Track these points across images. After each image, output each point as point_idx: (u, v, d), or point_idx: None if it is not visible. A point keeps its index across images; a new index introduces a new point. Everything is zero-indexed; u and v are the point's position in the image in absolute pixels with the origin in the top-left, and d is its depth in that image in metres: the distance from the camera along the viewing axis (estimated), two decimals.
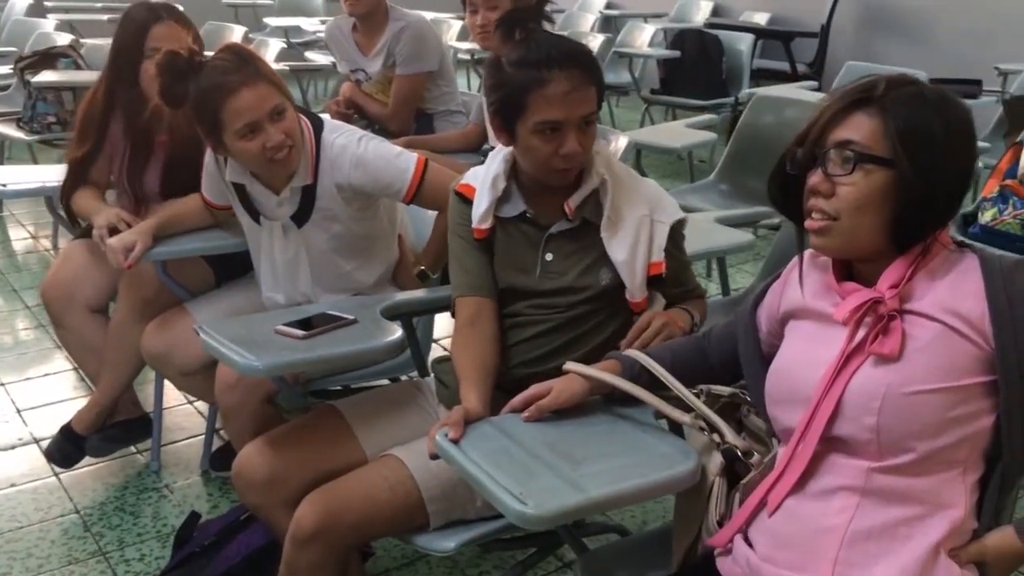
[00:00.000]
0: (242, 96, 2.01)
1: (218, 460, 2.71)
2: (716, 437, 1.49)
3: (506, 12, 1.83)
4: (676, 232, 1.83)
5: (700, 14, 7.75)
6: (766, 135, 3.78)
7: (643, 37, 6.55)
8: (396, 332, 1.85)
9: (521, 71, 1.69)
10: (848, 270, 1.39)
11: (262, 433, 2.15)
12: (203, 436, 2.81)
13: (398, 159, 2.18)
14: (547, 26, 1.92)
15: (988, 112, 4.75)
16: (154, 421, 2.73)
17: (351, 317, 1.89)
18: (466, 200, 1.89)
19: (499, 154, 1.88)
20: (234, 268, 2.58)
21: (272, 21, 7.17)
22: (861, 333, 1.31)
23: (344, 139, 2.18)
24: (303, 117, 2.18)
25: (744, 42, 5.94)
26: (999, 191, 3.34)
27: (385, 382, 2.38)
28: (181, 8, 2.60)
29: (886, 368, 1.28)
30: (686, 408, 1.55)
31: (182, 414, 3.04)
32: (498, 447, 1.46)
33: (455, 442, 1.49)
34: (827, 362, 1.33)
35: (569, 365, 1.62)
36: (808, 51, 6.76)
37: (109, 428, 2.68)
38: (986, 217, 3.10)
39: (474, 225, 1.85)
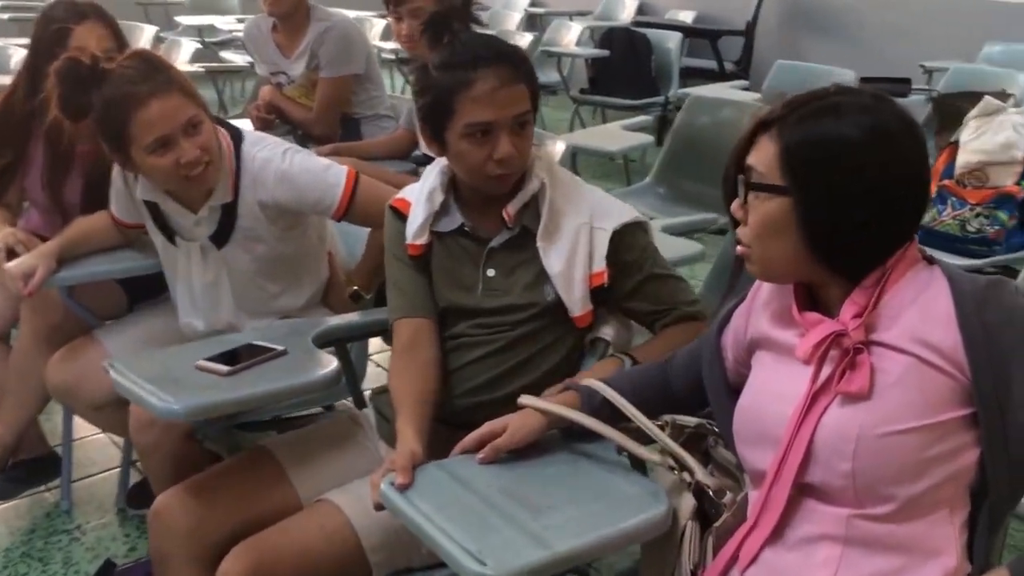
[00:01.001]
0: (152, 108, 1.83)
1: (135, 496, 2.50)
2: (686, 475, 1.38)
3: (431, 16, 1.69)
4: (628, 238, 1.69)
5: (626, 12, 7.70)
6: (703, 137, 3.71)
7: (570, 36, 6.46)
8: (331, 364, 1.69)
9: (446, 73, 1.58)
10: (810, 295, 1.29)
11: (183, 471, 1.98)
12: (118, 470, 2.60)
13: (327, 173, 2.01)
14: (476, 28, 1.79)
15: (917, 111, 4.76)
16: (63, 457, 2.51)
17: (280, 348, 1.72)
18: (402, 216, 1.76)
19: (436, 166, 1.75)
20: (149, 289, 2.38)
21: (184, 20, 6.88)
22: (827, 369, 1.22)
23: (267, 152, 2.01)
24: (220, 129, 2.00)
25: (672, 40, 5.89)
26: (937, 192, 3.33)
27: (318, 410, 2.22)
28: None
29: (856, 407, 1.18)
30: (648, 440, 1.44)
31: (94, 446, 2.81)
32: (450, 496, 1.32)
33: (403, 490, 1.34)
34: (794, 400, 1.23)
35: (524, 399, 1.49)
36: (734, 49, 6.75)
37: (12, 468, 2.47)
38: (924, 219, 3.04)
39: (408, 241, 1.71)
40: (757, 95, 4.50)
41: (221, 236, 2.03)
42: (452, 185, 1.72)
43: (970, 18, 5.78)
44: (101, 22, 2.30)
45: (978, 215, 3.13)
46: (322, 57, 3.32)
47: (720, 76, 6.35)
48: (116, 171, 2.12)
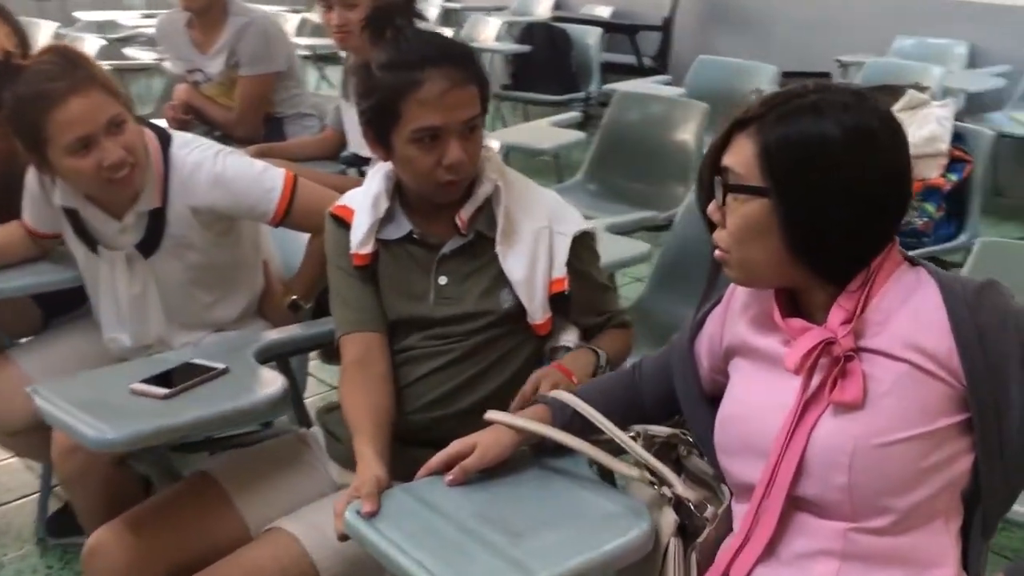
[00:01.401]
0: (71, 106, 1.70)
1: (56, 525, 2.34)
2: (665, 489, 1.32)
3: (372, 10, 1.60)
4: (582, 245, 1.65)
5: (542, 7, 7.63)
6: (633, 133, 3.68)
7: (488, 31, 6.38)
8: (277, 381, 1.58)
9: (392, 74, 1.49)
10: (792, 300, 1.24)
11: (113, 500, 1.85)
12: (35, 497, 2.44)
13: (263, 177, 1.90)
14: (420, 24, 1.71)
15: None
16: None
17: (221, 366, 1.61)
18: (344, 224, 1.66)
19: (379, 171, 1.66)
20: (65, 304, 2.23)
21: (83, 15, 6.57)
22: (816, 378, 1.17)
23: (198, 155, 1.88)
24: (146, 130, 1.87)
25: (592, 36, 5.87)
26: None
27: (255, 427, 2.10)
28: None
29: (850, 418, 1.14)
30: (619, 452, 1.38)
31: (7, 472, 2.63)
32: (422, 523, 1.24)
33: (370, 517, 1.25)
34: (782, 410, 1.18)
35: (492, 415, 1.41)
36: (651, 44, 6.77)
37: None
38: None
39: (353, 250, 1.62)
40: (681, 90, 4.50)
41: (149, 244, 1.90)
42: (397, 190, 1.64)
43: (882, 12, 5.90)
44: (1, 20, 2.14)
45: None
46: (242, 54, 3.18)
47: (639, 71, 6.35)
48: (31, 175, 1.97)
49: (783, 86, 3.91)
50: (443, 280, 1.61)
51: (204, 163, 1.87)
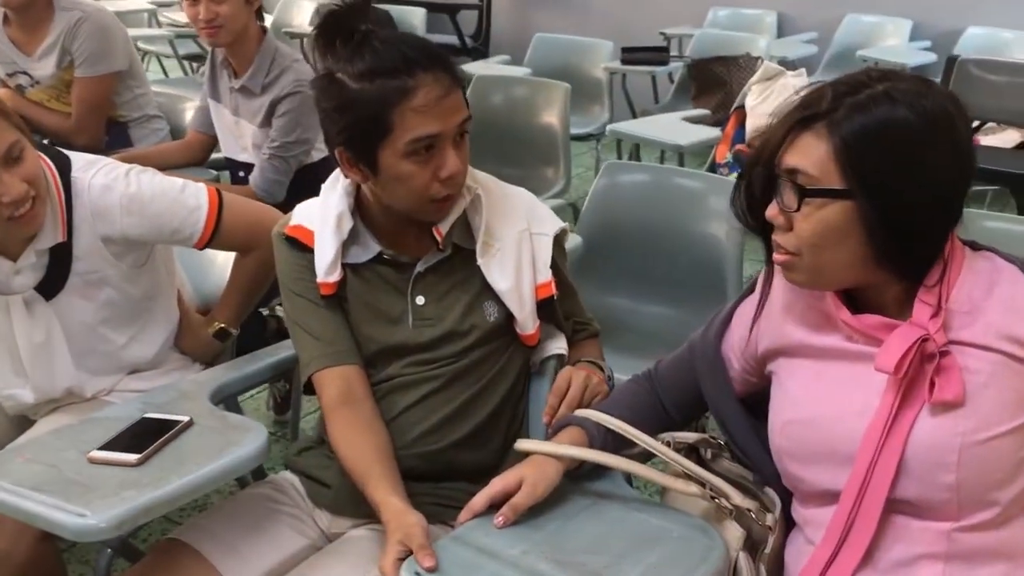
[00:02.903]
0: None
1: None
2: (723, 501, 1.26)
3: (327, 15, 1.41)
4: (557, 245, 1.57)
5: None
6: (498, 117, 3.60)
7: (302, 16, 6.08)
8: (254, 428, 1.40)
9: (375, 83, 1.33)
10: (848, 295, 1.20)
11: None
12: None
13: (183, 195, 1.68)
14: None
15: (672, 77, 4.94)
16: None
17: (184, 418, 1.41)
18: (300, 247, 1.49)
19: (336, 186, 1.50)
20: None
21: None
22: (911, 372, 1.12)
23: (105, 177, 1.64)
24: (42, 157, 1.61)
25: (417, 17, 5.73)
26: (734, 157, 3.46)
27: None
28: None
29: (952, 416, 1.10)
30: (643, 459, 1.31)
31: None
32: (492, 574, 1.12)
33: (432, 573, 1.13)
34: (863, 412, 1.13)
35: (527, 444, 1.31)
36: (469, 24, 6.69)
37: None
38: None
39: (320, 279, 1.46)
40: (527, 70, 4.46)
41: (51, 285, 1.64)
42: (358, 207, 1.48)
43: None
44: None
45: None
46: (77, 53, 2.83)
47: (463, 51, 6.27)
48: None
49: (626, 62, 3.98)
50: (420, 300, 1.48)
51: (114, 185, 1.63)
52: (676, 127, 3.44)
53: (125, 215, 1.63)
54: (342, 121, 1.36)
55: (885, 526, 1.13)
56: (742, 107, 3.51)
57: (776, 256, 1.17)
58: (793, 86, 3.42)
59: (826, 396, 1.19)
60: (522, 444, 1.31)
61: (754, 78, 3.51)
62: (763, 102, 3.42)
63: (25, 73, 2.91)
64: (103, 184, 1.63)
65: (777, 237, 1.16)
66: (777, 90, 3.39)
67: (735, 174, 3.36)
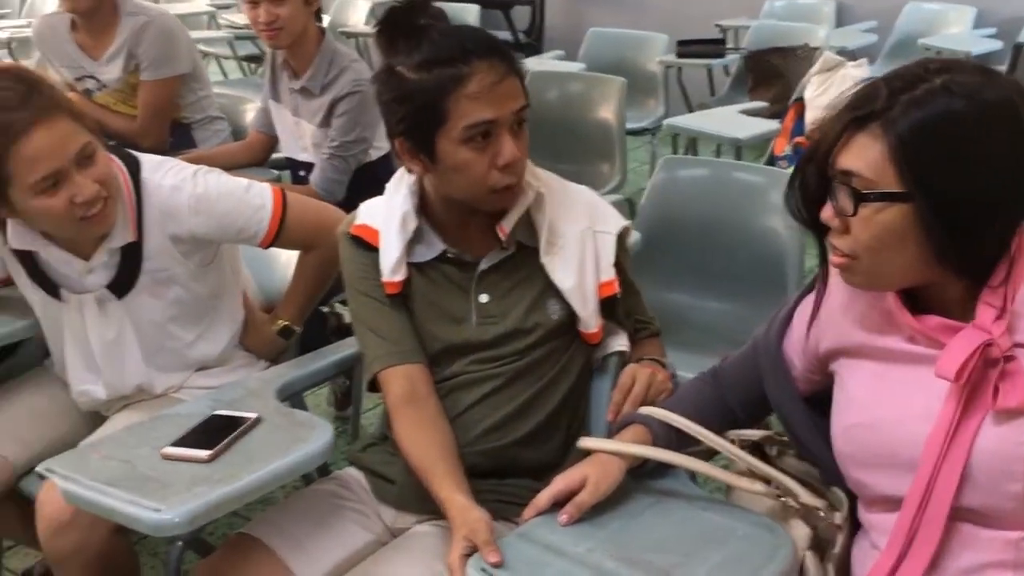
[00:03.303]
0: (36, 138, 1.48)
1: None
2: (790, 500, 1.25)
3: (389, 11, 1.43)
4: (625, 242, 1.57)
5: None
6: (552, 113, 3.60)
7: (358, 15, 6.14)
8: (319, 425, 1.42)
9: (431, 72, 1.35)
10: (908, 293, 1.16)
11: (111, 574, 1.66)
12: None
13: (249, 194, 1.72)
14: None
15: (728, 70, 4.90)
16: None
17: (252, 415, 1.43)
18: (366, 246, 1.51)
19: (401, 185, 1.51)
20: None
21: None
22: (975, 377, 1.08)
23: (173, 177, 1.68)
24: (113, 156, 1.65)
25: (471, 13, 5.73)
26: (793, 149, 3.42)
27: None
28: None
29: (1018, 424, 1.06)
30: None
31: None
32: (560, 572, 1.12)
33: (497, 567, 1.14)
34: (926, 418, 1.10)
35: (589, 443, 1.31)
36: (522, 19, 6.68)
37: None
38: None
39: (385, 278, 1.48)
40: (582, 65, 4.44)
41: (122, 283, 1.69)
42: (423, 206, 1.50)
43: None
44: None
45: None
46: (142, 57, 2.89)
47: (516, 47, 6.27)
48: None
49: (681, 55, 3.91)
50: (484, 298, 1.49)
51: (182, 186, 1.67)
52: (733, 120, 3.41)
53: (193, 215, 1.66)
54: (401, 111, 1.39)
55: (951, 533, 1.10)
56: (801, 99, 3.46)
57: (833, 258, 1.14)
58: (854, 77, 3.36)
59: (888, 400, 1.16)
60: (584, 442, 1.32)
61: (813, 69, 3.46)
62: (823, 94, 3.37)
63: (92, 77, 2.97)
64: (172, 184, 1.67)
65: (833, 239, 1.13)
66: (837, 81, 3.34)
67: (792, 168, 3.33)
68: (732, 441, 1.34)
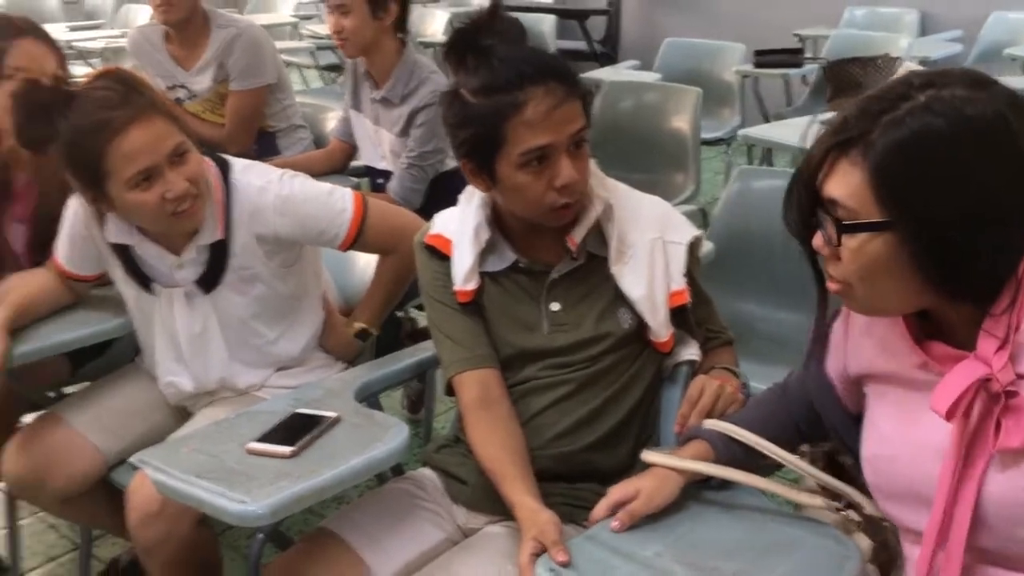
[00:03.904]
0: (133, 136, 1.58)
1: None
2: (852, 513, 1.25)
3: (454, 32, 1.49)
4: (696, 252, 1.58)
5: None
6: (627, 123, 3.62)
7: (436, 25, 6.24)
8: (395, 425, 1.47)
9: (490, 98, 1.40)
10: (922, 316, 1.11)
11: (192, 563, 1.74)
12: (64, 559, 2.30)
13: (331, 198, 1.79)
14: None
15: (806, 79, 4.85)
16: (13, 552, 2.15)
17: (332, 414, 1.49)
18: (439, 255, 1.56)
19: (473, 198, 1.56)
20: (90, 350, 2.07)
21: None
22: (974, 415, 1.03)
23: (261, 179, 1.76)
24: (206, 158, 1.74)
25: (547, 23, 5.79)
26: None
27: None
28: None
29: None
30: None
31: (29, 533, 2.42)
32: (626, 574, 1.15)
33: (565, 567, 1.17)
34: (938, 449, 1.06)
35: (650, 456, 1.33)
36: (597, 29, 6.71)
37: None
38: None
39: (457, 287, 1.53)
40: (657, 75, 4.45)
41: (210, 279, 1.77)
42: (495, 217, 1.54)
43: None
44: (42, 40, 1.97)
45: None
46: (232, 68, 3.00)
47: (592, 56, 6.30)
48: (73, 215, 1.82)
49: (758, 65, 3.84)
50: (555, 306, 1.53)
51: (269, 187, 1.75)
52: (811, 130, 3.37)
53: (278, 215, 1.74)
54: (462, 135, 1.45)
55: (972, 570, 1.05)
56: None
57: (829, 285, 1.10)
58: None
59: (905, 431, 1.12)
60: (647, 456, 1.33)
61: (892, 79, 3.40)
62: None
63: (183, 87, 3.09)
64: (259, 186, 1.75)
65: (827, 266, 1.08)
66: None
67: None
68: (803, 453, 1.34)
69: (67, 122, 1.59)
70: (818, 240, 1.07)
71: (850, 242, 1.03)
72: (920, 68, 3.39)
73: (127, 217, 1.71)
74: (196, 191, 1.66)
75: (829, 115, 3.73)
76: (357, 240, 1.80)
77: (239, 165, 1.78)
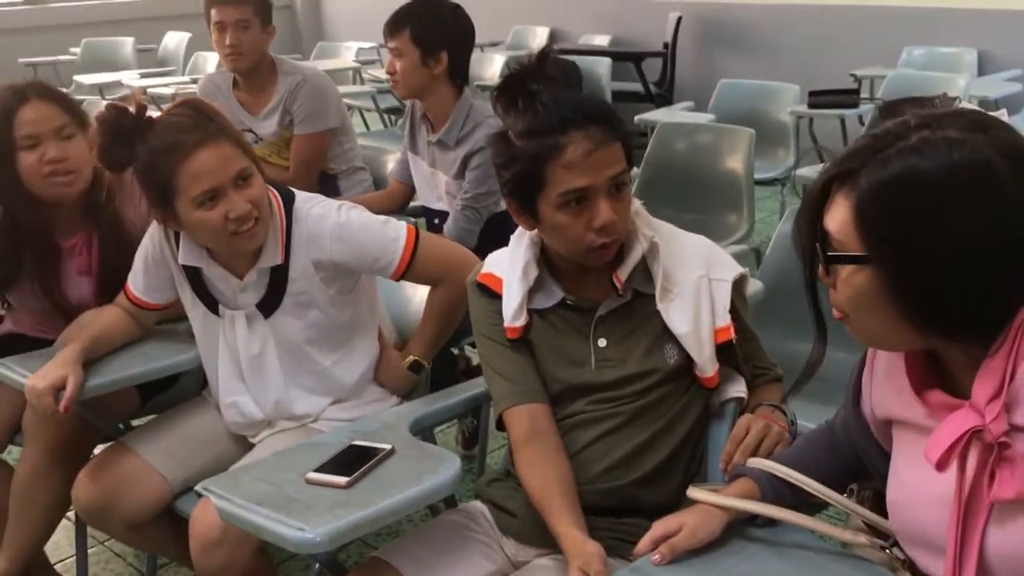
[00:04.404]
0: (201, 157, 1.70)
1: None
2: (897, 551, 1.25)
3: (504, 79, 1.56)
4: (737, 292, 1.61)
5: (536, 40, 7.64)
6: (680, 163, 3.65)
7: (493, 68, 6.35)
8: (448, 458, 1.51)
9: (532, 141, 1.47)
10: (929, 358, 1.11)
11: None
12: None
13: (386, 228, 1.88)
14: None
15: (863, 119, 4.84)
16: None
17: (387, 446, 1.54)
18: (490, 294, 1.61)
19: (523, 238, 1.62)
20: (159, 384, 2.16)
21: (84, 79, 6.48)
22: (971, 464, 1.02)
23: (321, 208, 1.86)
24: (270, 188, 1.84)
25: (603, 66, 5.85)
26: None
27: None
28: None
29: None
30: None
31: (96, 561, 2.52)
32: None
33: None
34: (942, 503, 1.05)
35: (696, 493, 1.35)
36: (652, 71, 6.78)
37: None
38: None
39: (508, 324, 1.58)
40: (711, 116, 4.49)
41: (270, 303, 1.87)
42: (543, 256, 1.60)
43: (887, 24, 5.93)
44: (46, 99, 2.06)
45: None
46: (296, 113, 3.13)
47: (647, 98, 6.35)
48: (148, 241, 1.95)
49: (813, 105, 3.85)
50: (602, 342, 1.57)
51: (328, 215, 1.84)
52: None
53: (335, 242, 1.82)
54: (507, 175, 1.51)
55: None
56: None
57: (835, 312, 1.12)
58: None
59: (918, 477, 1.11)
60: (692, 493, 1.35)
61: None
62: None
63: (250, 131, 3.22)
64: (319, 214, 1.84)
65: (830, 296, 1.11)
66: None
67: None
68: (850, 491, 1.35)
69: (145, 145, 1.72)
70: (820, 271, 1.10)
71: (842, 273, 1.06)
72: (975, 108, 3.38)
73: (192, 234, 1.81)
74: (258, 214, 1.76)
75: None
76: (409, 269, 1.87)
77: (302, 196, 1.89)
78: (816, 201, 1.07)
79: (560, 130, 1.45)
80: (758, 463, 1.37)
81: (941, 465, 1.02)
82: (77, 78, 6.56)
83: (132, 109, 1.75)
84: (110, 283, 2.07)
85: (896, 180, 0.98)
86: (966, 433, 1.00)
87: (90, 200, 2.13)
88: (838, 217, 1.04)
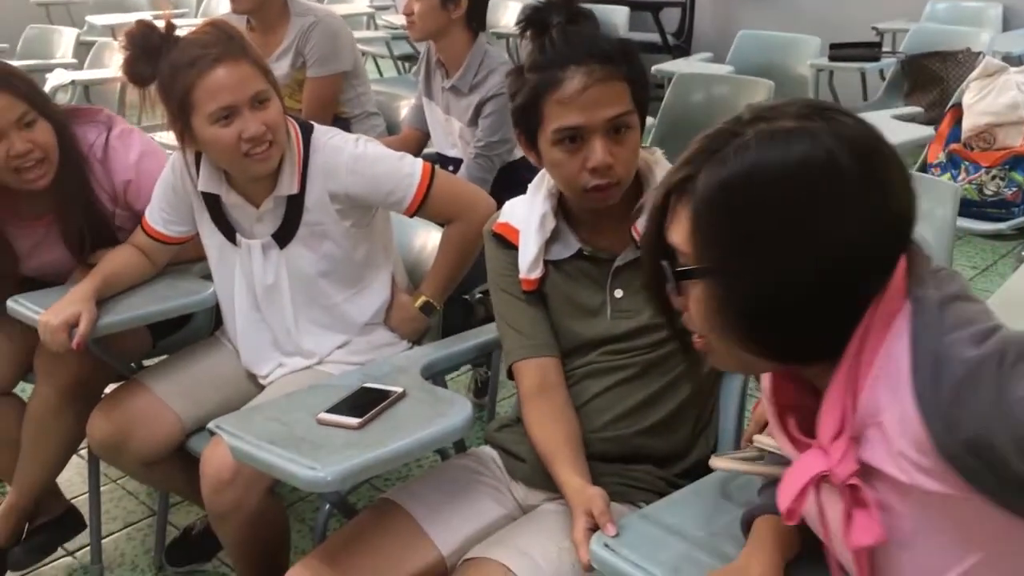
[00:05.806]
0: (218, 74, 1.70)
1: (175, 554, 2.28)
2: None
3: (528, 12, 1.52)
4: None
5: None
6: (697, 115, 3.61)
7: (508, 16, 6.26)
8: (459, 401, 1.51)
9: (535, 75, 1.45)
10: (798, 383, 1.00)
11: (261, 530, 1.82)
12: (140, 524, 2.39)
13: (402, 163, 1.87)
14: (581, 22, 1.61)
15: (883, 74, 4.77)
16: (92, 515, 2.25)
17: (398, 389, 1.54)
18: (506, 244, 1.60)
19: (542, 187, 1.59)
20: (171, 322, 2.17)
21: (96, 19, 6.42)
22: (832, 509, 0.93)
23: (339, 140, 1.86)
24: (290, 119, 1.85)
25: (620, 15, 5.75)
26: (948, 157, 3.31)
27: None
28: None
29: (896, 557, 0.90)
30: None
31: (109, 499, 2.55)
32: (679, 553, 1.17)
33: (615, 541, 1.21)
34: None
35: (717, 462, 1.28)
36: (671, 21, 6.67)
37: (33, 534, 2.21)
38: None
39: (523, 275, 1.57)
40: (730, 68, 4.42)
41: (285, 233, 1.87)
42: (561, 207, 1.58)
43: None
44: (7, 91, 1.91)
45: (994, 178, 3.12)
46: (309, 55, 3.08)
47: (664, 48, 6.27)
48: (170, 167, 1.95)
49: (834, 58, 3.75)
50: (619, 293, 1.55)
51: (345, 147, 1.84)
52: (885, 125, 3.26)
53: (350, 173, 1.82)
54: (514, 106, 1.49)
55: None
56: (958, 104, 3.35)
57: (695, 339, 1.01)
58: (1016, 83, 3.24)
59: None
60: (715, 462, 1.29)
61: (973, 74, 3.34)
62: (981, 100, 3.25)
63: None
64: (336, 145, 1.84)
65: (683, 319, 1.01)
66: (999, 87, 3.22)
67: (947, 175, 3.23)
68: None
69: (167, 60, 1.72)
70: (669, 290, 0.99)
71: (691, 289, 0.96)
72: (1000, 62, 3.32)
73: (206, 153, 1.81)
74: (272, 137, 1.75)
75: (907, 110, 3.69)
76: (423, 205, 1.86)
77: (320, 128, 1.88)
78: (658, 215, 0.97)
79: (560, 64, 1.42)
80: (765, 441, 1.35)
81: (790, 516, 0.92)
82: (89, 19, 6.51)
83: (161, 27, 1.75)
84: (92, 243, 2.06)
85: (732, 180, 0.89)
86: (811, 480, 0.90)
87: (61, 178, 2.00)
88: (679, 228, 0.94)
